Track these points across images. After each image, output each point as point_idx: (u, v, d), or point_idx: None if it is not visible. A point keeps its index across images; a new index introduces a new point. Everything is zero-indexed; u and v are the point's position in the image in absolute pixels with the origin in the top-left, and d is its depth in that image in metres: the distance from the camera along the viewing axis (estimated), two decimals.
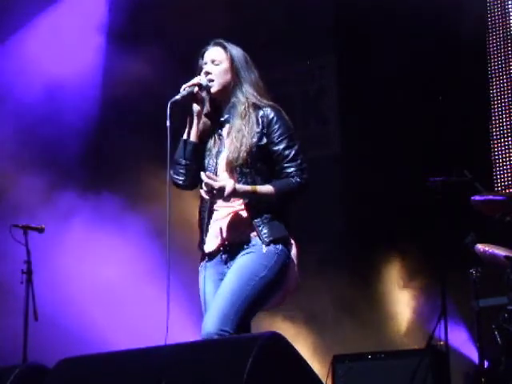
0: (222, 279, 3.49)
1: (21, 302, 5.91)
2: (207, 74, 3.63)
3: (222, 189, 3.40)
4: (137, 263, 7.08)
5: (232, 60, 3.65)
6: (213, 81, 3.61)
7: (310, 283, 6.63)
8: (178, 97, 3.56)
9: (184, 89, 3.59)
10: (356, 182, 7.80)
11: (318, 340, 7.08)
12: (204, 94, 3.64)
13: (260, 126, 3.54)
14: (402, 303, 7.41)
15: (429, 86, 7.41)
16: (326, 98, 8.49)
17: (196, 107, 3.61)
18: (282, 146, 3.53)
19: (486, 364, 5.28)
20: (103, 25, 8.01)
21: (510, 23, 7.29)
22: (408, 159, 7.29)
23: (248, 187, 3.46)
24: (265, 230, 3.46)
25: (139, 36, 7.99)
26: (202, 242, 3.61)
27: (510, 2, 7.32)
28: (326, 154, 8.20)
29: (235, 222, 3.51)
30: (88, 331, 6.81)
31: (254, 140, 3.52)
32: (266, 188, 3.48)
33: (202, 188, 3.46)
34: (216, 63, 3.65)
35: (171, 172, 3.65)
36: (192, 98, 3.60)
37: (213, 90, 3.62)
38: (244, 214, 3.51)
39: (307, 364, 2.67)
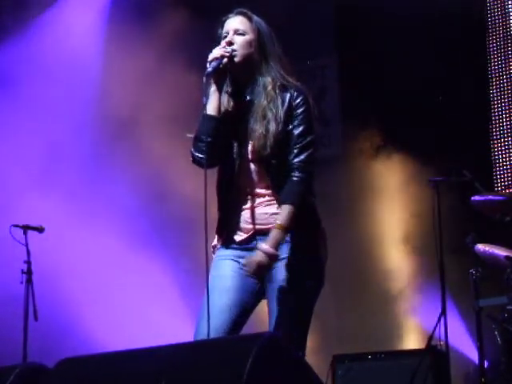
0: (237, 261, 3.33)
1: (21, 301, 5.91)
2: (230, 44, 3.32)
3: (261, 265, 3.18)
4: (138, 263, 7.07)
5: (258, 32, 3.37)
6: (235, 51, 3.30)
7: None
8: (210, 69, 3.25)
9: (213, 60, 3.28)
10: (356, 182, 7.80)
11: (318, 340, 7.06)
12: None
13: (285, 109, 3.30)
14: (402, 303, 7.41)
15: (429, 86, 7.41)
16: (327, 99, 8.48)
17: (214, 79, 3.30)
18: (297, 132, 3.32)
19: (486, 364, 5.27)
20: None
21: (510, 23, 7.29)
22: (408, 159, 7.30)
23: (276, 233, 3.21)
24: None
25: None
26: (223, 228, 3.39)
27: (510, 2, 7.33)
28: (326, 155, 8.19)
29: (265, 211, 3.31)
30: (88, 331, 6.80)
31: (281, 126, 3.27)
32: (287, 214, 3.22)
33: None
34: (240, 33, 3.35)
35: (192, 149, 3.34)
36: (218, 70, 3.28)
37: (236, 59, 3.30)
38: (273, 203, 3.32)
39: (307, 364, 2.66)
